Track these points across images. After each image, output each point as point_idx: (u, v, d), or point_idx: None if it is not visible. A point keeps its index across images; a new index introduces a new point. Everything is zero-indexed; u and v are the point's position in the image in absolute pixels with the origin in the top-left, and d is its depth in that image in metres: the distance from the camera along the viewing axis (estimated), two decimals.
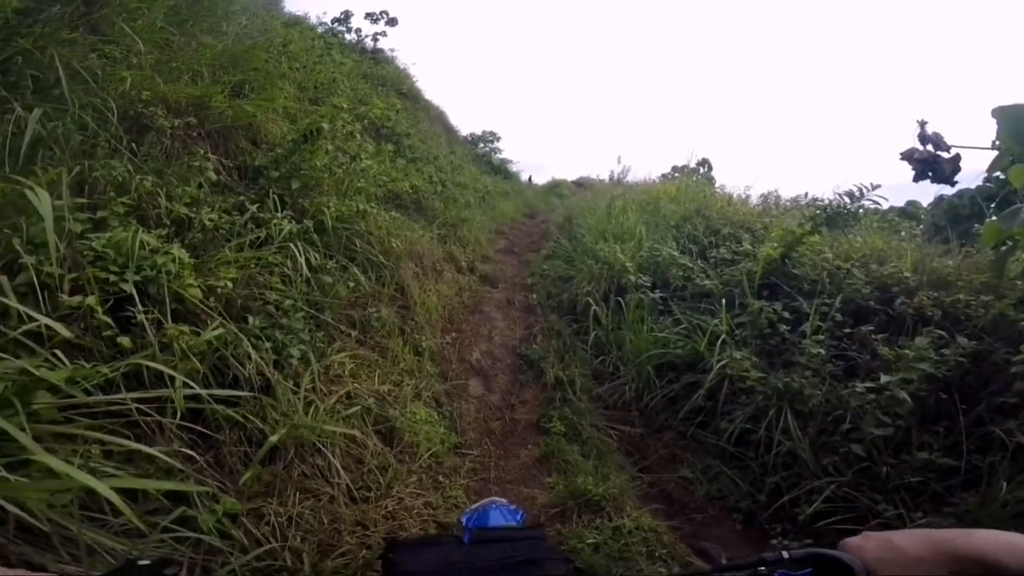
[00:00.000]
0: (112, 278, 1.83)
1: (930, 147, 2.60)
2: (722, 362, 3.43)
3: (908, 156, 2.66)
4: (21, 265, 1.61)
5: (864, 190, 4.19)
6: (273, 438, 1.98)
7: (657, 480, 3.13)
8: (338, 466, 2.18)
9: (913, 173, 2.66)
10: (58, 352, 1.50)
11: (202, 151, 2.79)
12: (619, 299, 4.51)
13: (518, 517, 1.55)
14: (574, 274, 5.48)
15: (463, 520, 1.55)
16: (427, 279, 4.60)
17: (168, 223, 2.30)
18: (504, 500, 1.72)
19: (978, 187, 5.24)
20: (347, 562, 1.90)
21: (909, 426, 2.64)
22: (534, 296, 5.62)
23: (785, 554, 0.64)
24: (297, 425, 2.12)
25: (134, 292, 1.85)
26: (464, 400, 3.64)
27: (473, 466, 3.00)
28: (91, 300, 1.70)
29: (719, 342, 3.59)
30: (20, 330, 1.42)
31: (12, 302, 1.42)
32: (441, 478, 2.66)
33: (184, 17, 3.68)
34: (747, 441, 3.09)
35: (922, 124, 2.62)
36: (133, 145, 2.52)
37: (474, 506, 1.73)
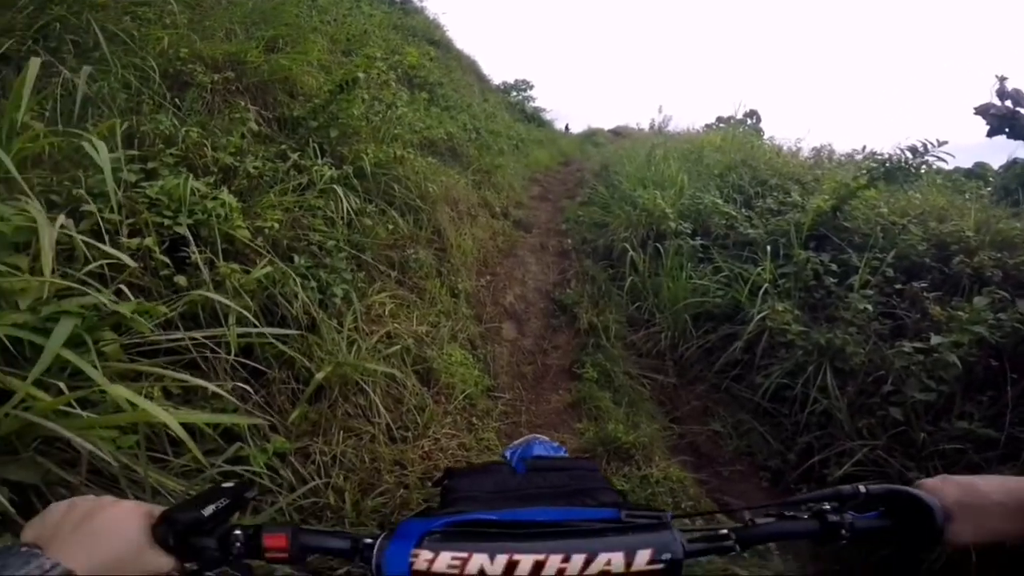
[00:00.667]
0: (167, 222, 1.92)
1: (1008, 103, 2.41)
2: (762, 314, 3.36)
3: (983, 111, 2.48)
4: (83, 213, 1.70)
5: (929, 146, 3.89)
6: (319, 375, 2.08)
7: (687, 431, 3.16)
8: (379, 405, 2.28)
9: (988, 128, 2.48)
10: (122, 288, 1.59)
11: (242, 104, 2.87)
12: (657, 245, 4.44)
13: (561, 452, 1.58)
14: (610, 220, 5.39)
15: (506, 455, 1.58)
16: (462, 223, 4.62)
17: (215, 171, 2.38)
18: (545, 437, 1.75)
19: None
20: (385, 501, 2.01)
21: (953, 392, 2.54)
22: (568, 241, 5.58)
23: (862, 488, 0.63)
24: (341, 363, 2.22)
25: (188, 234, 1.93)
26: (497, 343, 3.72)
27: (505, 409, 3.08)
28: (149, 241, 1.79)
29: (760, 292, 3.51)
30: (85, 270, 1.50)
31: (79, 239, 1.50)
32: (475, 420, 2.76)
33: None
34: (782, 397, 3.06)
35: (1001, 79, 2.43)
36: (176, 100, 2.61)
37: (516, 442, 1.77)
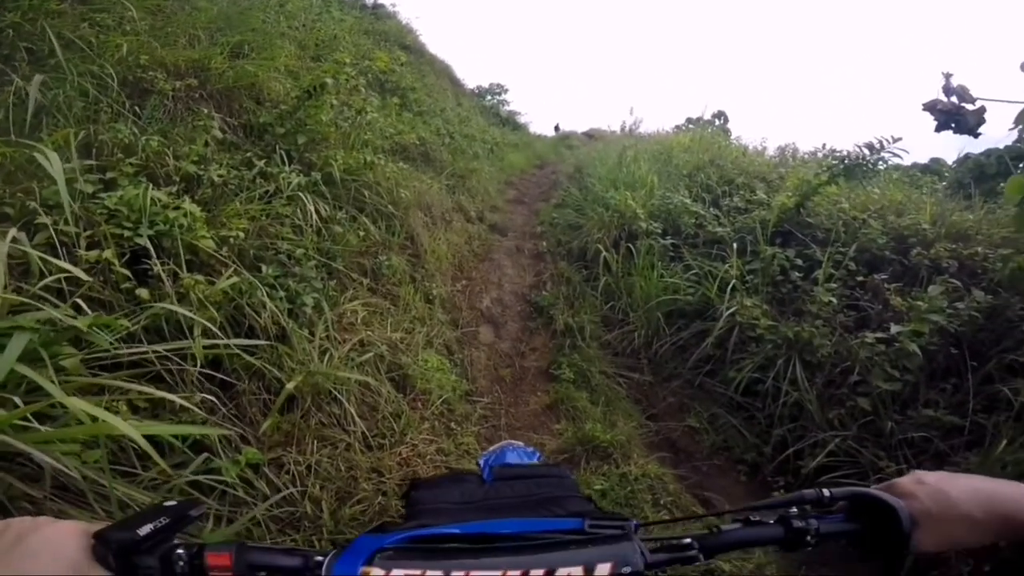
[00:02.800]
0: (127, 233, 1.87)
1: (954, 99, 2.49)
2: (732, 309, 3.42)
3: (931, 107, 2.55)
4: (38, 225, 1.65)
5: (885, 142, 4.05)
6: (290, 385, 2.04)
7: (664, 428, 3.20)
8: (353, 413, 2.25)
9: (935, 124, 2.56)
10: (80, 303, 1.54)
11: (206, 111, 2.79)
12: (629, 246, 4.50)
13: (535, 458, 1.58)
14: (584, 222, 5.44)
15: (480, 462, 1.58)
16: (436, 228, 4.61)
17: (177, 180, 2.32)
18: (520, 443, 1.75)
19: (1007, 147, 5.04)
20: (364, 508, 1.99)
21: (917, 381, 2.63)
22: (544, 244, 5.61)
23: (826, 492, 0.62)
24: (313, 372, 2.18)
25: (149, 246, 1.88)
26: (475, 348, 3.71)
27: (484, 413, 3.08)
28: (108, 254, 1.74)
29: (729, 288, 3.58)
30: (41, 284, 1.46)
31: (33, 253, 1.44)
32: (453, 425, 2.75)
33: None
34: (755, 391, 3.12)
35: (947, 76, 2.50)
36: (136, 108, 2.53)
37: (490, 449, 1.76)
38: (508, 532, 0.68)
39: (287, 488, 1.85)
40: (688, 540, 0.63)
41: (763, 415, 3.02)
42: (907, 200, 4.13)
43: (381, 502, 2.05)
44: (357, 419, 2.26)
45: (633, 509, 2.47)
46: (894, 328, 2.72)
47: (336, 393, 2.25)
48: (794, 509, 0.63)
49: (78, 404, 1.13)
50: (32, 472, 1.23)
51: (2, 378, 1.07)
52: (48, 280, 1.46)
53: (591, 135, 15.28)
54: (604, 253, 4.58)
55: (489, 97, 15.22)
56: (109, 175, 2.06)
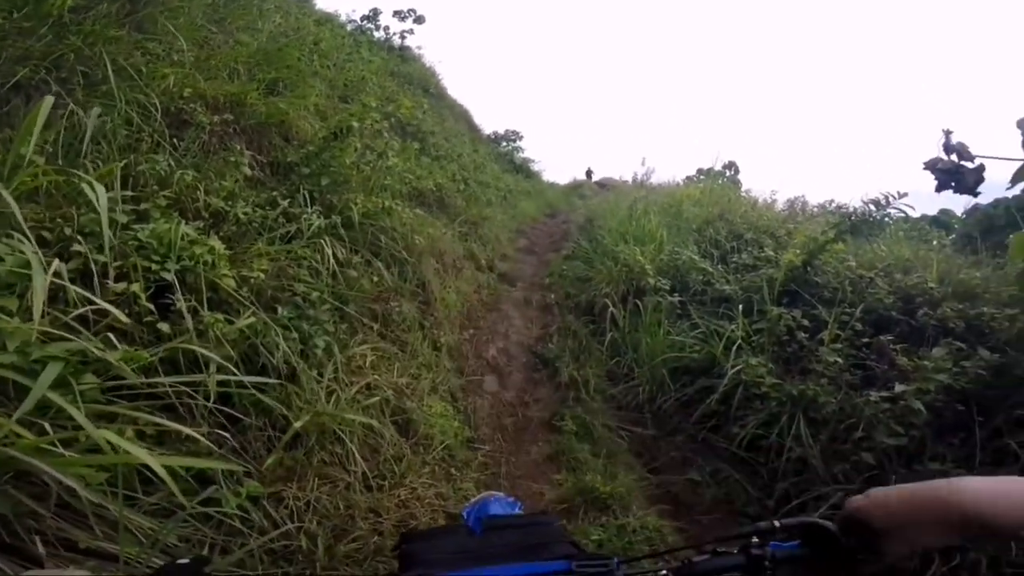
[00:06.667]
0: (154, 267, 1.96)
1: (954, 157, 2.57)
2: (737, 368, 3.43)
3: (931, 166, 2.64)
4: (72, 253, 1.74)
5: (891, 198, 4.13)
6: (297, 424, 2.08)
7: (665, 481, 3.16)
8: (356, 454, 2.27)
9: (936, 183, 2.64)
10: (107, 334, 1.61)
11: (238, 147, 2.92)
12: (637, 301, 4.54)
13: (516, 508, 1.60)
14: (593, 275, 5.50)
15: (464, 514, 1.60)
16: (447, 276, 4.69)
17: (206, 216, 2.43)
18: (501, 494, 1.77)
19: (1015, 197, 5.09)
20: (359, 547, 2.00)
21: (923, 436, 2.63)
22: (552, 296, 5.66)
23: (777, 523, 0.68)
24: (319, 413, 2.22)
25: (174, 281, 1.97)
26: (479, 396, 3.73)
27: (485, 460, 3.07)
28: (135, 287, 1.83)
29: (735, 348, 3.60)
30: (73, 314, 1.54)
31: (72, 288, 1.53)
32: (453, 471, 2.74)
33: (222, 15, 3.81)
34: (758, 446, 3.10)
35: (947, 133, 2.59)
36: (174, 140, 2.64)
37: (472, 500, 1.78)
38: None
39: (285, 523, 1.86)
40: (664, 573, 0.73)
41: (766, 470, 3.00)
42: (914, 257, 4.17)
43: (376, 541, 2.05)
44: (359, 459, 2.27)
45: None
46: (899, 387, 2.73)
47: (340, 433, 2.28)
48: (755, 539, 0.69)
49: (104, 434, 1.18)
50: (39, 491, 1.27)
51: (33, 405, 1.13)
52: (81, 311, 1.54)
53: (603, 184, 15.59)
54: (612, 308, 4.62)
55: (504, 143, 15.57)
56: (143, 206, 2.16)
